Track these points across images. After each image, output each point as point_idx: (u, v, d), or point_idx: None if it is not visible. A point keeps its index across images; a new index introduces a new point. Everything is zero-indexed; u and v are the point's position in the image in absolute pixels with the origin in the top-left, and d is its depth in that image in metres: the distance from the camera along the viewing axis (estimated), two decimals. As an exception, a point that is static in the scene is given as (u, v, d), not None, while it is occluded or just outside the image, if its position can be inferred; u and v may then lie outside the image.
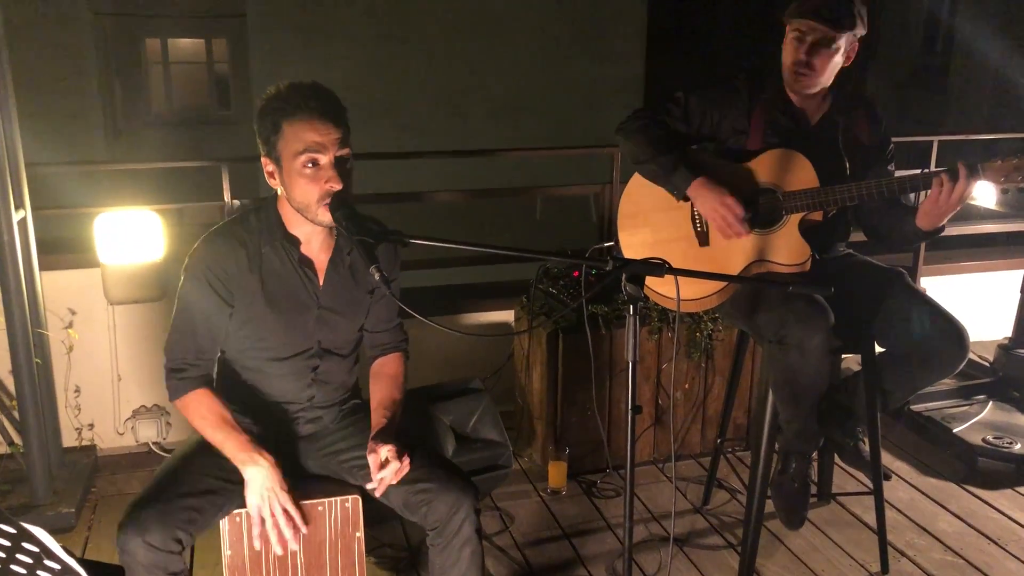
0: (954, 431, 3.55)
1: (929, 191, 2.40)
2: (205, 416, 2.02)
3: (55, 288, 3.28)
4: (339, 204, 1.93)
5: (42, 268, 3.18)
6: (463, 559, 2.05)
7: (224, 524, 2.03)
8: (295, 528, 1.99)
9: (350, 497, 2.12)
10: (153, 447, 3.48)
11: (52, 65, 11.10)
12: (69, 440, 3.41)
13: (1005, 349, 3.88)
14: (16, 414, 3.05)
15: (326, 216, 1.95)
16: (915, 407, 3.76)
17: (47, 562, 1.28)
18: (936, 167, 3.98)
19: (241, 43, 13.34)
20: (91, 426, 3.45)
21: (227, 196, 3.39)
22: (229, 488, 1.99)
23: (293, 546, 2.00)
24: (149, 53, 14.04)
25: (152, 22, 13.49)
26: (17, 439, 3.07)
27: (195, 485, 1.96)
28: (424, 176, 6.26)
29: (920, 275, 4.27)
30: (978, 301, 4.42)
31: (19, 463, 3.06)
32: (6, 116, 2.83)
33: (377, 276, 1.84)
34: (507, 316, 3.77)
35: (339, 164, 1.95)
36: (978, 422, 3.65)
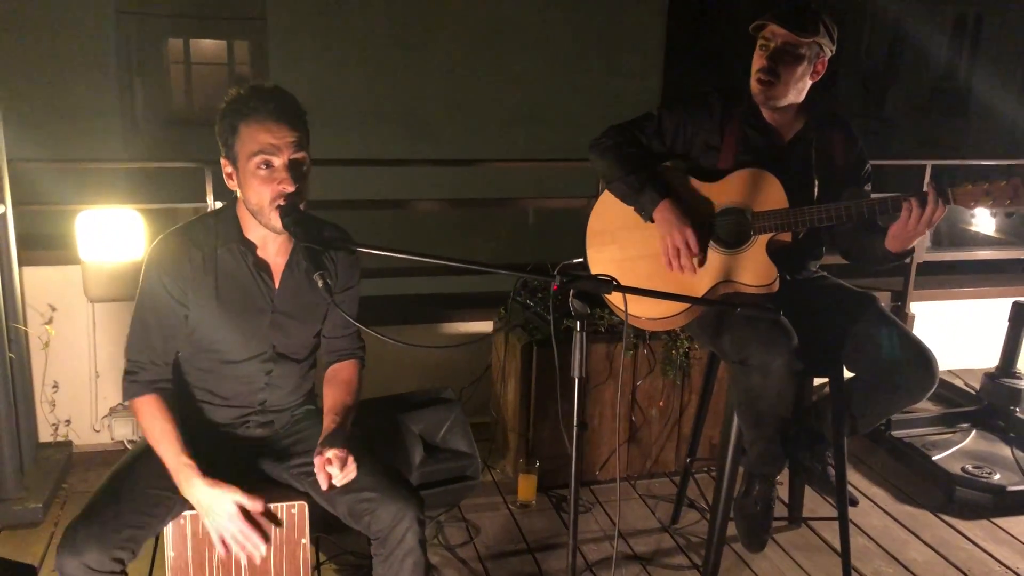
0: (934, 459, 3.52)
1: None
2: (149, 427, 2.02)
3: (36, 284, 3.31)
4: (290, 210, 1.94)
5: (24, 264, 3.22)
6: (405, 569, 2.05)
7: (168, 527, 2.03)
8: (258, 535, 1.98)
9: (296, 503, 2.12)
10: (128, 445, 3.50)
11: (73, 63, 11.21)
12: (45, 435, 3.44)
13: (991, 378, 3.83)
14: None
15: (278, 221, 1.96)
16: (896, 433, 3.73)
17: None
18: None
19: (262, 46, 13.46)
20: (68, 422, 3.48)
21: (210, 198, 3.41)
22: (171, 496, 1.99)
23: (260, 552, 1.99)
24: (171, 53, 14.18)
25: (175, 22, 13.63)
26: (-11, 432, 3.09)
27: (136, 500, 1.95)
28: (424, 183, 6.27)
29: (910, 300, 4.24)
30: (969, 328, 4.38)
31: (-10, 456, 3.09)
32: (-11, 112, 2.87)
33: (320, 284, 1.84)
34: (486, 327, 3.77)
35: (293, 167, 1.96)
36: (959, 450, 3.61)
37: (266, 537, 2.01)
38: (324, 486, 1.97)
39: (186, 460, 1.96)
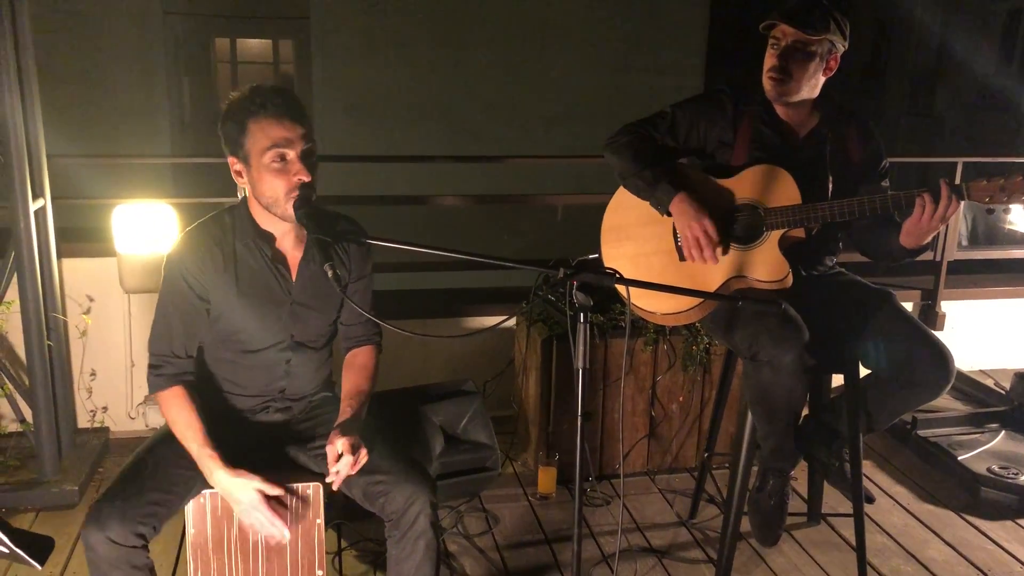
0: (959, 458, 3.48)
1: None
2: (174, 420, 2.10)
3: (75, 275, 3.44)
4: (303, 202, 2.01)
5: (63, 256, 3.35)
6: (417, 551, 2.11)
7: (188, 505, 2.11)
8: (283, 521, 2.07)
9: (312, 484, 2.18)
10: (162, 432, 3.61)
11: (123, 62, 11.48)
12: (83, 421, 3.56)
13: (1021, 377, 3.78)
14: (30, 394, 3.20)
15: (292, 212, 2.03)
16: (923, 432, 3.70)
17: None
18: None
19: (306, 45, 13.66)
20: (105, 409, 3.60)
21: (240, 192, 3.50)
22: (194, 476, 2.07)
23: (286, 536, 2.10)
24: (218, 52, 14.47)
25: (222, 22, 13.89)
26: (29, 417, 3.21)
27: (158, 478, 2.04)
28: (458, 180, 6.34)
29: (941, 299, 4.19)
30: (1000, 327, 4.32)
31: (30, 440, 3.21)
32: (29, 109, 2.98)
33: (330, 274, 1.91)
34: (509, 322, 3.82)
35: (305, 157, 2.03)
36: (986, 450, 3.57)
37: (294, 513, 2.11)
38: (336, 485, 2.05)
39: (209, 452, 2.04)
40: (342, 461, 2.02)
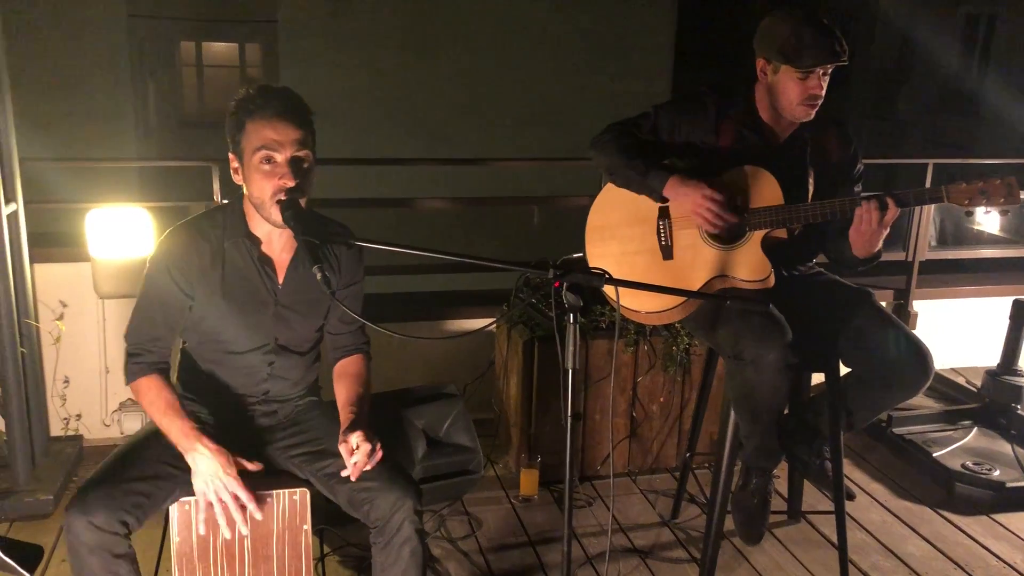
0: (934, 455, 3.54)
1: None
2: (153, 402, 2.09)
3: (47, 280, 3.38)
4: (289, 204, 1.99)
5: (35, 260, 3.28)
6: (403, 558, 2.09)
7: (173, 511, 2.08)
8: (243, 510, 2.03)
9: (298, 490, 2.16)
10: (137, 439, 3.56)
11: (88, 65, 11.33)
12: (56, 429, 3.50)
13: (992, 375, 3.84)
14: (2, 401, 3.14)
15: (278, 216, 2.01)
16: (897, 430, 3.75)
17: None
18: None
19: (273, 48, 13.56)
20: (78, 416, 3.54)
21: (218, 196, 3.47)
22: (178, 475, 2.05)
23: (243, 530, 2.05)
24: (183, 56, 14.32)
25: (187, 25, 13.75)
26: (1, 426, 3.15)
27: (144, 469, 2.02)
28: (432, 184, 6.34)
29: (912, 298, 4.25)
30: (971, 326, 4.39)
31: (2, 450, 3.15)
32: (0, 114, 2.92)
33: (319, 276, 1.89)
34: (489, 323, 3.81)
35: (294, 163, 2.01)
36: (960, 447, 3.63)
37: (283, 518, 2.09)
38: (354, 476, 2.02)
39: (190, 424, 2.04)
40: (359, 452, 2.01)
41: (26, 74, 8.99)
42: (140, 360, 2.12)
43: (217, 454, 2.01)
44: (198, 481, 2.01)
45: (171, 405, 2.07)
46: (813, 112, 2.53)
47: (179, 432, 2.03)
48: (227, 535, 2.06)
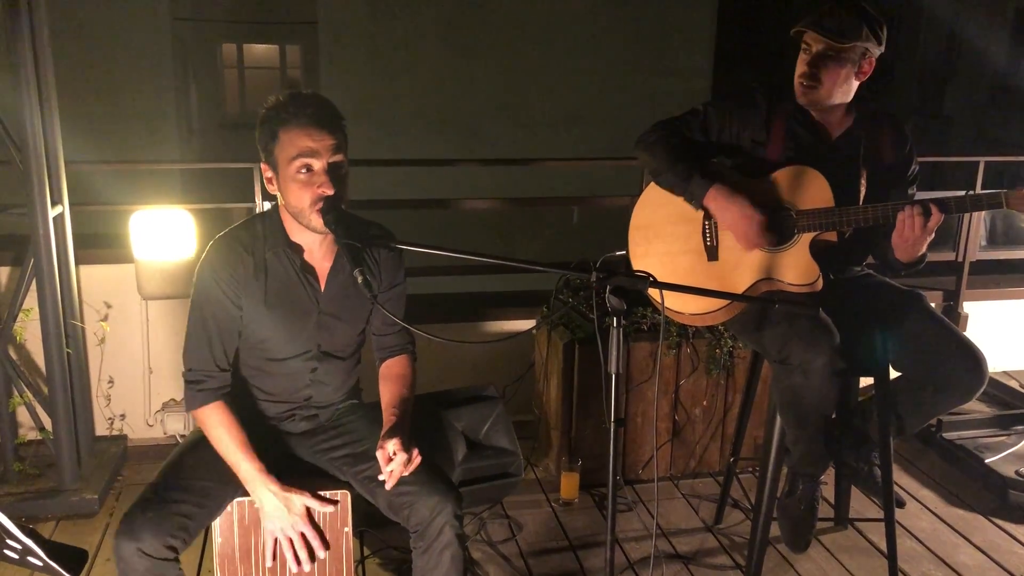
0: (986, 461, 3.44)
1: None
2: (221, 438, 2.07)
3: (92, 282, 3.42)
4: (330, 208, 1.98)
5: (80, 262, 3.32)
6: (444, 562, 2.07)
7: (216, 515, 2.09)
8: (312, 550, 2.08)
9: (339, 492, 2.16)
10: (179, 439, 3.58)
11: (131, 68, 11.49)
12: (101, 429, 3.54)
13: (1047, 379, 3.74)
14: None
15: (318, 221, 2.00)
16: (948, 435, 3.66)
17: (9, 542, 1.34)
18: (982, 190, 3.86)
19: (313, 50, 13.67)
20: (123, 416, 3.58)
21: (258, 198, 3.48)
22: (222, 488, 2.06)
23: (306, 567, 2.08)
24: (225, 58, 14.49)
25: (229, 27, 13.91)
26: (48, 425, 3.19)
27: (189, 489, 2.01)
28: (471, 185, 6.33)
29: (963, 299, 4.15)
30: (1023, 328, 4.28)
31: (49, 449, 3.19)
32: (48, 116, 2.96)
33: (360, 279, 1.87)
34: (529, 325, 3.79)
35: (332, 170, 2.00)
36: (1013, 453, 3.53)
37: (326, 545, 2.12)
38: (390, 484, 2.02)
39: (258, 466, 2.04)
40: (396, 460, 2.00)
41: (71, 78, 9.15)
42: (202, 387, 2.10)
43: (283, 496, 2.03)
44: (267, 522, 2.06)
45: (240, 442, 2.06)
46: (809, 96, 2.46)
47: (247, 472, 2.04)
48: (293, 568, 2.09)
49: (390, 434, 2.05)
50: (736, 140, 2.58)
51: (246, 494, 2.08)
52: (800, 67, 2.46)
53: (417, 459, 2.03)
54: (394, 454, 2.00)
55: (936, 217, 2.32)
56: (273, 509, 2.04)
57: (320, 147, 1.97)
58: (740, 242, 2.47)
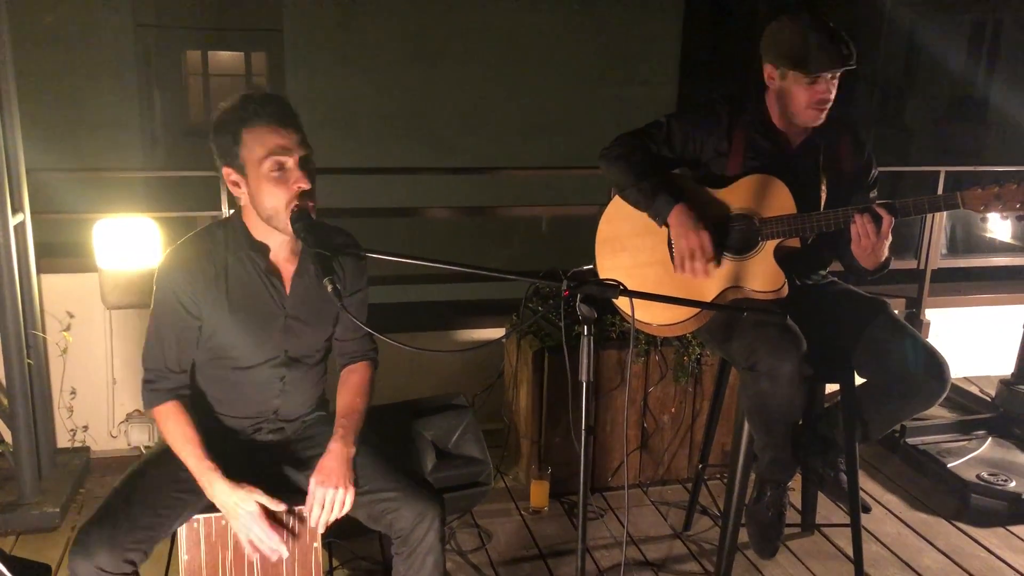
0: (948, 466, 3.49)
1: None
2: (171, 431, 2.06)
3: (54, 291, 3.36)
4: (299, 215, 1.96)
5: (43, 271, 3.27)
6: (427, 567, 2.08)
7: (181, 530, 2.06)
8: (280, 537, 2.04)
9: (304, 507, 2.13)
10: (144, 451, 3.53)
11: (94, 75, 11.35)
12: (63, 441, 3.48)
13: (1007, 385, 3.81)
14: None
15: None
16: (911, 440, 3.71)
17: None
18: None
19: (279, 57, 13.58)
20: (85, 428, 3.52)
21: (225, 206, 3.45)
22: (185, 499, 2.03)
23: (284, 553, 2.05)
24: (189, 65, 14.36)
25: (193, 34, 13.79)
26: (8, 438, 3.13)
27: (147, 502, 1.98)
28: (440, 193, 6.32)
29: (925, 306, 4.21)
30: (984, 335, 4.35)
31: (9, 462, 3.13)
32: (8, 123, 2.91)
33: (330, 288, 1.86)
34: (498, 333, 3.79)
35: (304, 164, 1.99)
36: (975, 458, 3.59)
37: (292, 536, 2.08)
38: (312, 523, 2.03)
39: (209, 464, 2.01)
40: (324, 511, 2.02)
41: (32, 85, 9.01)
42: (156, 387, 2.09)
43: (235, 491, 2.00)
44: (231, 520, 2.02)
45: (189, 439, 2.03)
46: (823, 116, 2.50)
47: (196, 466, 2.01)
48: (273, 559, 2.06)
49: (322, 469, 2.05)
50: (699, 152, 2.61)
51: (210, 506, 2.04)
52: (818, 95, 2.45)
53: (351, 498, 2.04)
54: (323, 504, 2.01)
55: (887, 220, 2.37)
56: (227, 501, 1.99)
57: (289, 143, 1.97)
58: (679, 264, 2.50)
